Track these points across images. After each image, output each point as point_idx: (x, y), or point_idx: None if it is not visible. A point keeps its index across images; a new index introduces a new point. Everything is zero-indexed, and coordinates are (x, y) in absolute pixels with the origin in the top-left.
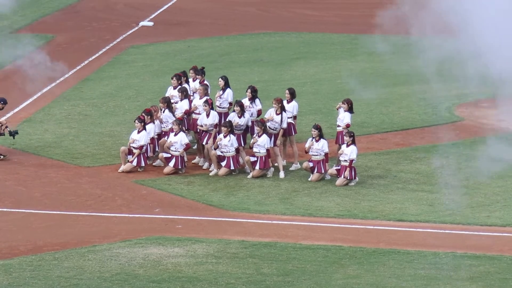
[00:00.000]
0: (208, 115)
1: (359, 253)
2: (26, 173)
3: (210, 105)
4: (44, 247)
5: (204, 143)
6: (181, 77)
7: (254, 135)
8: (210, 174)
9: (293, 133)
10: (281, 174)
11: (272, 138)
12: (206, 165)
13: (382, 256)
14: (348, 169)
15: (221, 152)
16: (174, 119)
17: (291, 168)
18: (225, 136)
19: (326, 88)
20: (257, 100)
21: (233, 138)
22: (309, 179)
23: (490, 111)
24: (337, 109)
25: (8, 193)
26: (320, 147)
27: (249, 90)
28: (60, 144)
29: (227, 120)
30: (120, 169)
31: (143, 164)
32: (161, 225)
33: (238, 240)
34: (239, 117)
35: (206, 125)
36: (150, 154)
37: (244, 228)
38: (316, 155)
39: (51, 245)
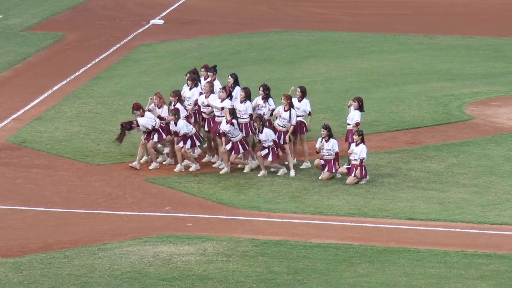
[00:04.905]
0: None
1: (370, 252)
2: (36, 171)
3: (227, 92)
4: (54, 245)
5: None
6: (197, 75)
7: (256, 134)
8: (221, 172)
9: (305, 132)
10: (292, 173)
11: (282, 136)
12: (218, 162)
13: (393, 255)
14: (358, 168)
15: (229, 138)
16: (171, 109)
17: (301, 167)
18: (229, 122)
19: (336, 87)
20: (270, 100)
21: (235, 124)
22: (320, 178)
23: (501, 109)
24: (348, 106)
25: (19, 191)
26: (330, 147)
27: (261, 88)
28: (71, 142)
29: (230, 107)
30: (134, 164)
31: (164, 136)
32: (172, 223)
33: (248, 238)
34: (241, 102)
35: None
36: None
37: (254, 226)
38: (327, 155)
39: (62, 243)
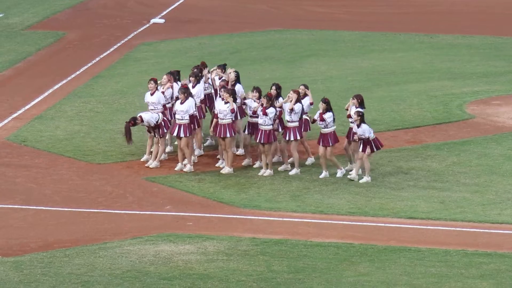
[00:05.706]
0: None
1: (370, 251)
2: (37, 170)
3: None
4: (55, 244)
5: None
6: (199, 72)
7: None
8: (222, 171)
9: (307, 130)
10: (293, 171)
11: (292, 132)
12: (219, 162)
13: (393, 254)
14: (367, 146)
15: (220, 118)
16: (181, 88)
17: (307, 163)
18: (226, 102)
19: (337, 86)
20: (280, 99)
21: (231, 105)
22: (320, 176)
23: (502, 108)
24: (346, 109)
25: (19, 190)
26: (326, 119)
27: (273, 87)
28: (71, 141)
29: (233, 88)
30: (144, 158)
31: (165, 130)
32: (172, 222)
33: (249, 237)
34: (254, 101)
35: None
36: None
37: (255, 225)
38: (323, 128)
39: (62, 242)
